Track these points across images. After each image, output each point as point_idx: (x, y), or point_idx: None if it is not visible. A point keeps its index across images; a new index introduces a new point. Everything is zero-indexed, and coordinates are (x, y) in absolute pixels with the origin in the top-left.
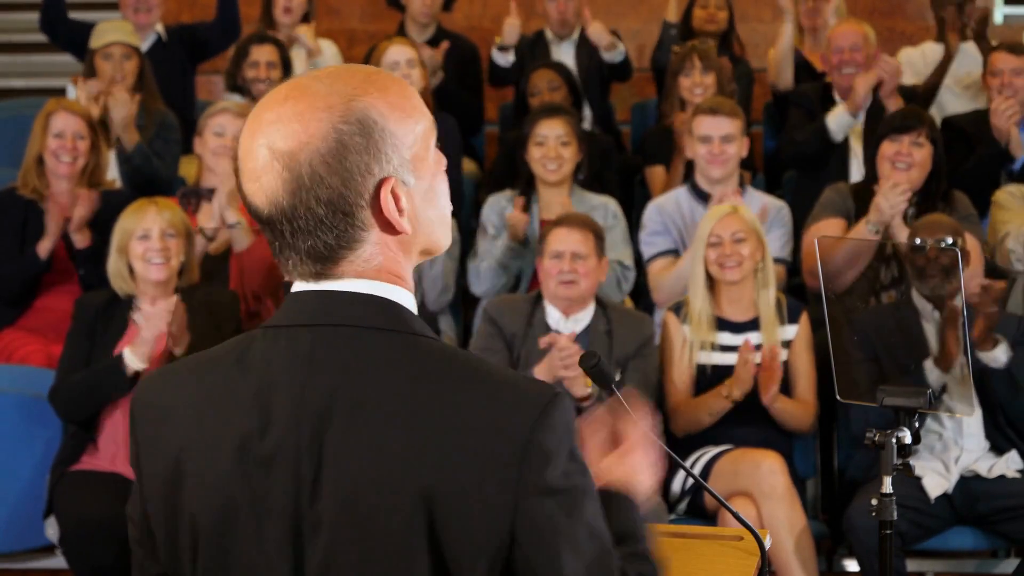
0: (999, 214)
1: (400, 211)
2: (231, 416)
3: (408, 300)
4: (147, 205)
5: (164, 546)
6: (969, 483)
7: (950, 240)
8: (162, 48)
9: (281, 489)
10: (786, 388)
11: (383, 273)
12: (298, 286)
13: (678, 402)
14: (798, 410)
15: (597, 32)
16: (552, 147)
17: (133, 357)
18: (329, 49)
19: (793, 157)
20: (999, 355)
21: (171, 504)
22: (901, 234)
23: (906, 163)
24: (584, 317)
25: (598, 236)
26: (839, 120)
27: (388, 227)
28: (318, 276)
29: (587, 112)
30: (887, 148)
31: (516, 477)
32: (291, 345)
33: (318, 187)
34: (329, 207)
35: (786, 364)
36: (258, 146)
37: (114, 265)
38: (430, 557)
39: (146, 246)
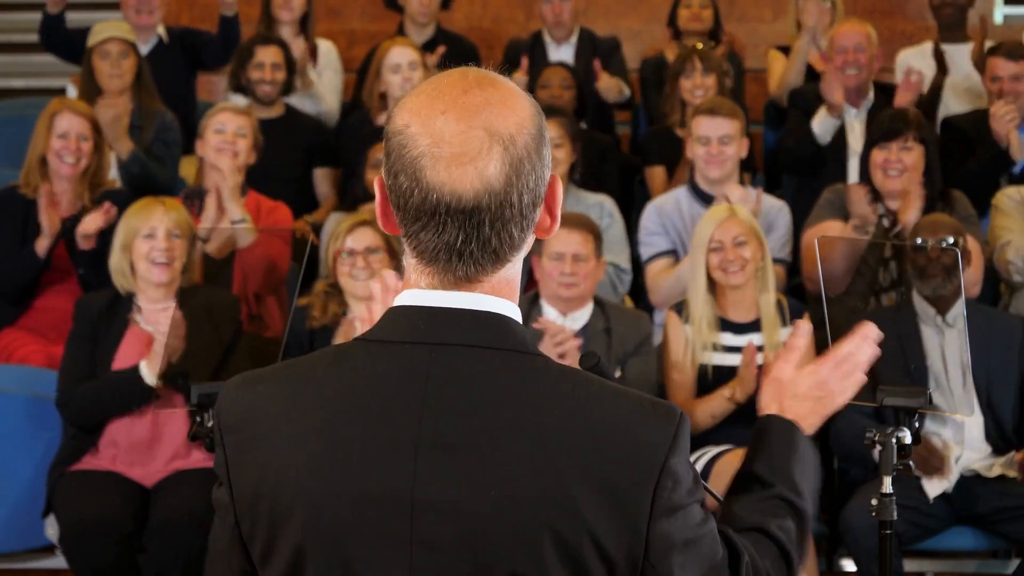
0: (999, 219)
1: None
2: (337, 434)
3: (517, 314)
4: (154, 204)
5: (259, 561)
6: (969, 483)
7: (951, 240)
8: (164, 50)
9: (395, 516)
10: None
11: (510, 286)
12: (411, 298)
13: (679, 403)
14: None
15: (606, 86)
16: None
17: (149, 373)
18: (330, 53)
19: (789, 164)
20: None
21: (270, 519)
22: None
23: (897, 169)
24: (582, 316)
25: (597, 237)
26: (823, 123)
27: (538, 229)
28: (464, 282)
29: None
30: (877, 156)
31: (650, 504)
32: (404, 363)
33: (529, 174)
34: (531, 196)
35: None
36: (470, 127)
37: (116, 262)
38: (600, 565)
39: (151, 245)
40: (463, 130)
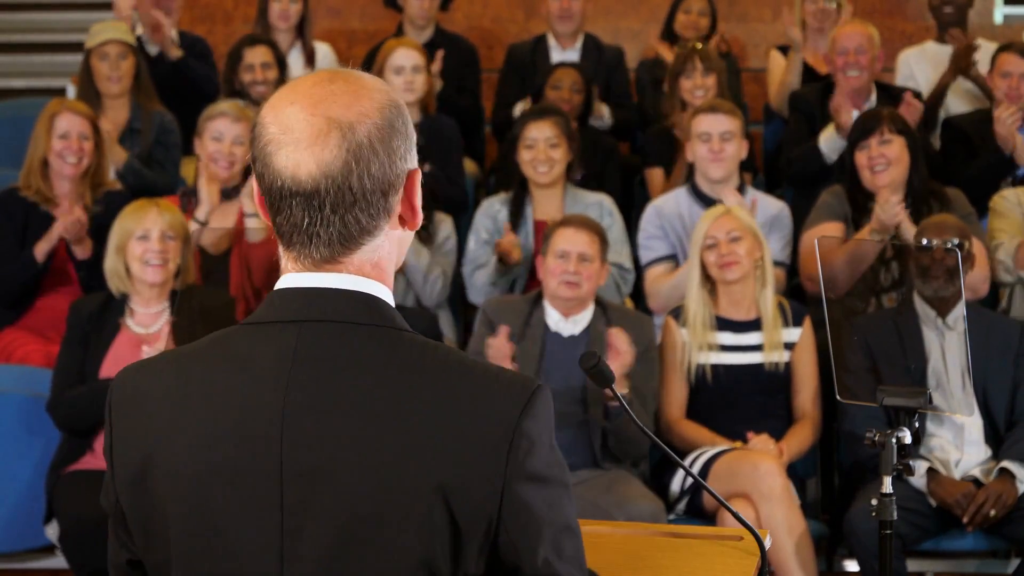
0: (994, 221)
1: None
2: (212, 411)
3: (389, 296)
4: (148, 206)
5: (137, 535)
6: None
7: (956, 241)
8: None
9: (264, 483)
10: (789, 392)
11: (378, 269)
12: (285, 281)
13: (673, 414)
14: (805, 440)
15: (597, 113)
16: (541, 149)
17: None
18: (327, 57)
19: (792, 177)
20: None
21: (144, 495)
22: (910, 235)
23: (882, 164)
24: (583, 318)
25: (603, 240)
26: (831, 143)
27: (400, 221)
28: (324, 264)
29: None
30: (860, 157)
31: (504, 463)
32: (275, 341)
33: (371, 161)
34: (375, 183)
35: (789, 368)
36: (312, 115)
37: (111, 264)
38: (447, 543)
39: (145, 247)
40: (305, 118)
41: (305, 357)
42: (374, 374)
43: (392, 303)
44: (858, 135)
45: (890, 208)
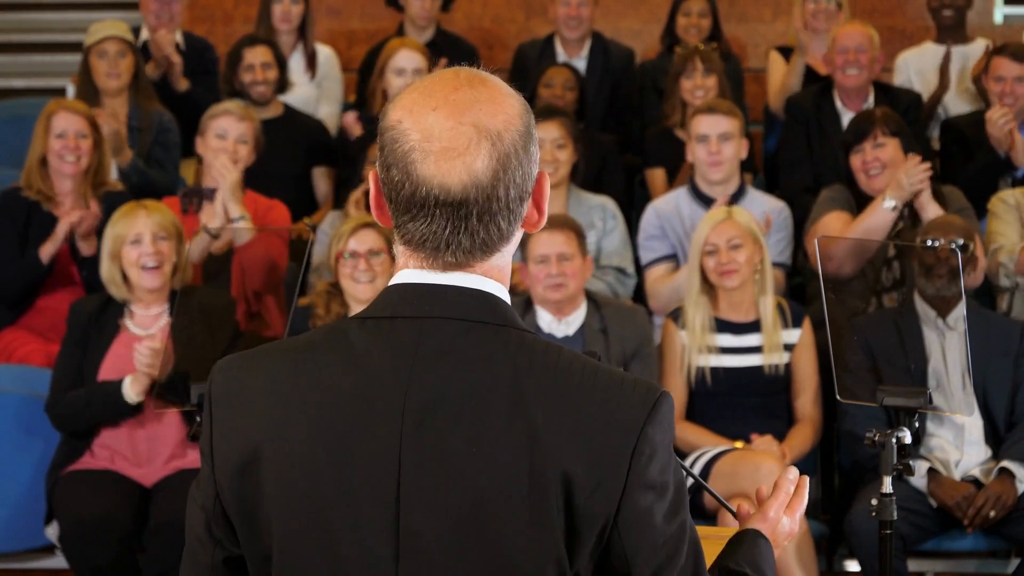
0: (993, 223)
1: None
2: (327, 404)
3: (507, 296)
4: (136, 209)
5: (241, 527)
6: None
7: (961, 242)
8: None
9: (383, 478)
10: (789, 394)
11: (500, 271)
12: (403, 277)
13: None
14: (806, 441)
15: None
16: (548, 151)
17: (131, 392)
18: (329, 60)
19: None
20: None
21: (252, 487)
22: (930, 209)
23: (877, 167)
24: (576, 318)
25: (580, 235)
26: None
27: (525, 223)
28: (456, 267)
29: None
30: (855, 162)
31: (626, 469)
32: (394, 336)
33: (516, 169)
34: (517, 191)
35: (789, 369)
36: (459, 123)
37: (107, 271)
38: (565, 531)
39: (139, 251)
40: (452, 126)
41: (426, 353)
42: (496, 372)
43: (509, 301)
44: (852, 138)
45: (915, 173)
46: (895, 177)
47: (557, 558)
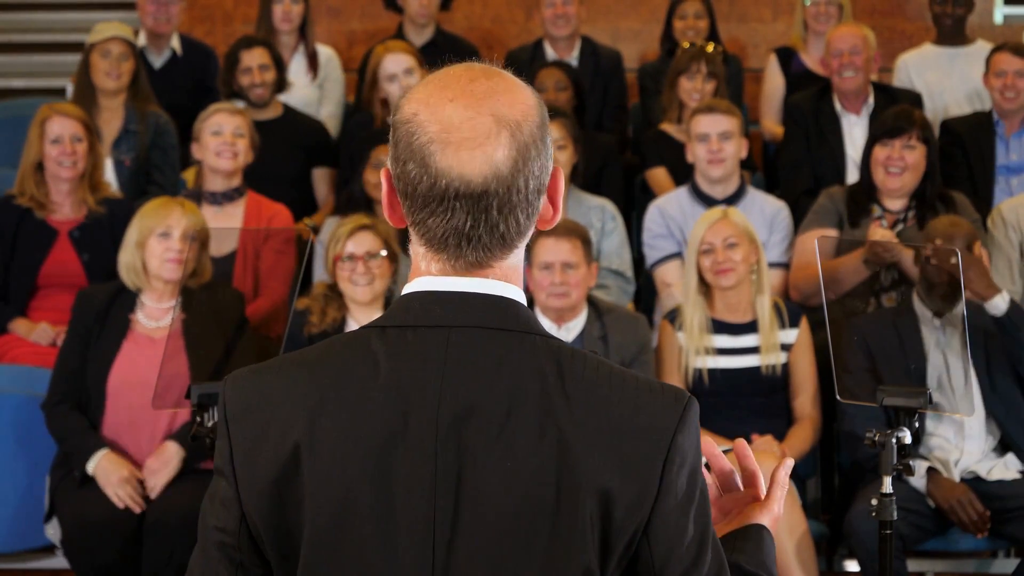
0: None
1: None
2: (357, 416)
3: (524, 300)
4: (172, 204)
5: (273, 546)
6: (969, 485)
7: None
8: (177, 64)
9: (417, 490)
10: (787, 394)
11: (516, 272)
12: (423, 284)
13: None
14: (806, 441)
15: None
16: None
17: (94, 467)
18: (331, 61)
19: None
20: (999, 303)
21: (283, 503)
22: (905, 253)
23: (899, 167)
24: (576, 324)
25: (586, 242)
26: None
27: (542, 218)
28: (474, 267)
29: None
30: (879, 153)
31: (659, 477)
32: (422, 346)
33: (534, 161)
34: (536, 183)
35: (787, 370)
36: (479, 113)
37: (128, 258)
38: (599, 540)
39: (166, 245)
40: (471, 116)
41: (455, 364)
42: (525, 382)
43: (525, 304)
44: (886, 131)
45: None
46: (867, 241)
47: (588, 569)
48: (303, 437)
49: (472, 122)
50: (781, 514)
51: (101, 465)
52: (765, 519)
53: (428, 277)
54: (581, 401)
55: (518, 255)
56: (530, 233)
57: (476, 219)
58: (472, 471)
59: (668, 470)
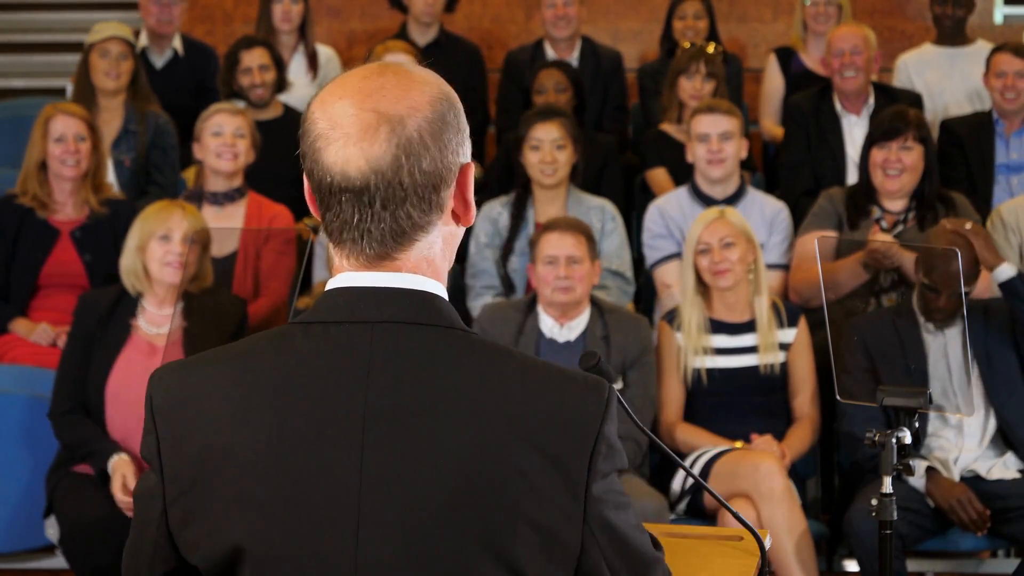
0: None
1: None
2: (283, 411)
3: (445, 294)
4: (172, 208)
5: (197, 536)
6: (969, 484)
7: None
8: (178, 64)
9: (343, 485)
10: (786, 393)
11: (432, 266)
12: (342, 280)
13: (671, 423)
14: (805, 440)
15: None
16: (548, 151)
17: (113, 474)
18: (331, 61)
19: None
20: (1005, 269)
21: (208, 496)
22: (906, 257)
23: (897, 169)
24: (579, 324)
25: (590, 239)
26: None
27: (454, 216)
28: (379, 260)
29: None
30: (876, 155)
31: (587, 468)
32: (346, 341)
33: (423, 154)
34: (426, 177)
35: (786, 369)
36: (361, 110)
37: (129, 262)
38: (531, 533)
39: (166, 248)
40: (354, 113)
41: (380, 359)
42: (449, 377)
43: (447, 298)
44: (882, 133)
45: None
46: (866, 247)
47: (519, 567)
48: (229, 434)
49: (354, 118)
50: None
51: (119, 466)
52: None
53: (346, 273)
54: (506, 395)
55: (428, 249)
56: (437, 230)
57: (362, 213)
58: (399, 464)
59: (595, 460)
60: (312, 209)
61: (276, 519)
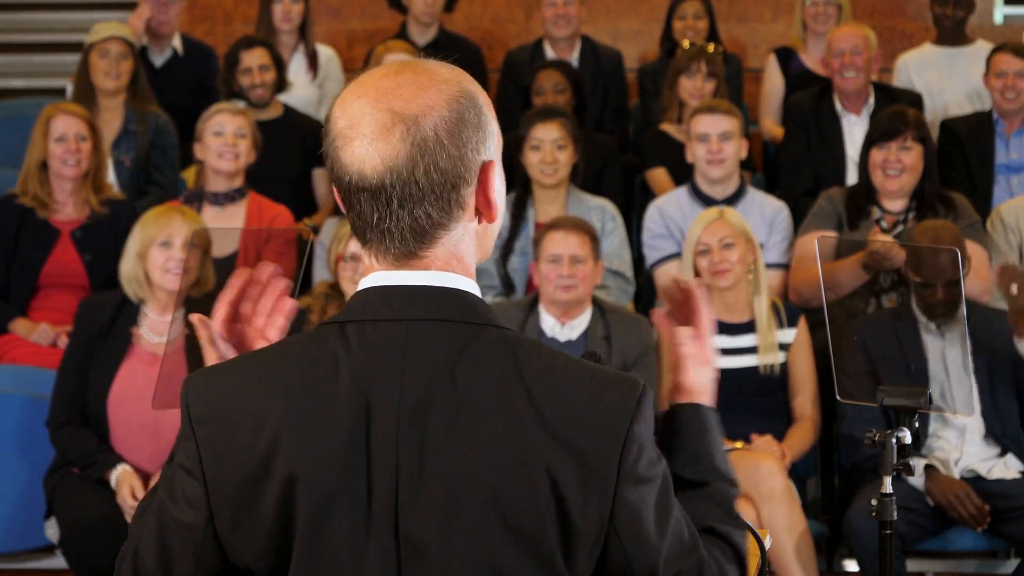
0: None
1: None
2: (323, 411)
3: (478, 291)
4: (172, 213)
5: (249, 543)
6: (969, 484)
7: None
8: (178, 64)
9: (383, 480)
10: (786, 393)
11: (462, 264)
12: (374, 280)
13: None
14: (805, 440)
15: None
16: (548, 151)
17: (115, 478)
18: (331, 61)
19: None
20: None
21: (257, 501)
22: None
23: (897, 169)
24: (581, 323)
25: (594, 239)
26: None
27: (478, 214)
28: (406, 258)
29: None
30: (876, 156)
31: (616, 468)
32: (380, 340)
33: (439, 153)
34: (443, 176)
35: (786, 369)
36: (377, 109)
37: (130, 269)
38: (559, 532)
39: (167, 255)
40: (370, 112)
41: (415, 356)
42: (484, 374)
43: (479, 295)
44: (881, 134)
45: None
46: (867, 248)
47: (550, 557)
48: (272, 437)
49: (369, 117)
50: (700, 380)
51: (124, 478)
52: (688, 395)
53: (377, 272)
54: (539, 392)
55: (455, 247)
56: (460, 228)
57: (381, 212)
58: (434, 461)
59: (625, 460)
60: (342, 208)
61: (324, 520)
